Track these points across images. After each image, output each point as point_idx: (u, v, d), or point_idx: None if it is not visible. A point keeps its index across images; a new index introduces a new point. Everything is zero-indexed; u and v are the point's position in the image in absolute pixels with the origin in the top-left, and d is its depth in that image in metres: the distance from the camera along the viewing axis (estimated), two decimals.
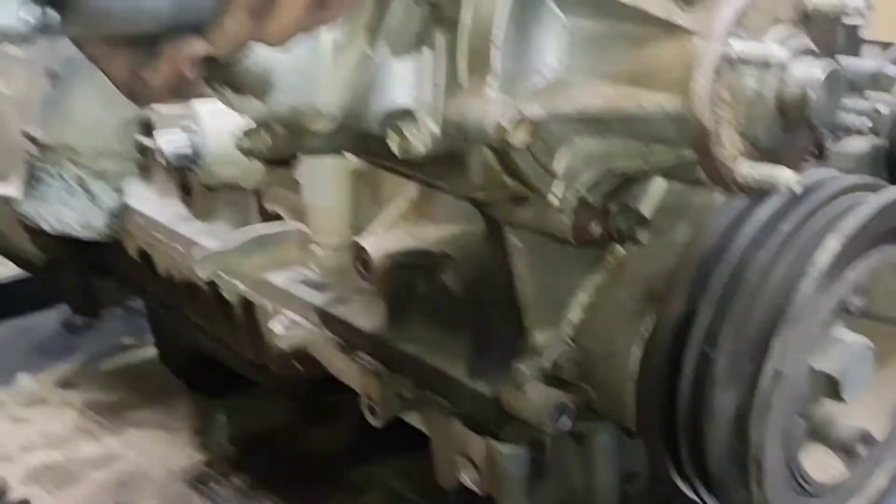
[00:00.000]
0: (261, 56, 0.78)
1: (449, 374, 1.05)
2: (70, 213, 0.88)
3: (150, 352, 2.29)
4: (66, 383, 2.20)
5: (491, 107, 0.76)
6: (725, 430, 0.91)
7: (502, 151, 0.80)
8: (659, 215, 0.99)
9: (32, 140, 0.85)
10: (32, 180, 0.94)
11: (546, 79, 0.80)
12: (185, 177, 1.48)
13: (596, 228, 0.84)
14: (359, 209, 1.17)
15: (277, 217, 1.38)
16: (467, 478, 1.07)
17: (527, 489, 1.04)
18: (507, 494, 1.04)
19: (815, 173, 0.95)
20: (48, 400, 2.13)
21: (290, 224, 1.29)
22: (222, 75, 0.80)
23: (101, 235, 0.94)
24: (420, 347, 1.10)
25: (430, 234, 1.09)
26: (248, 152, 0.89)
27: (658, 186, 1.00)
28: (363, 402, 1.19)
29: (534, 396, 0.97)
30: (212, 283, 1.56)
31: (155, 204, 1.53)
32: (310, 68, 0.79)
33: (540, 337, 0.99)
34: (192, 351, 1.96)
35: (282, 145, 0.88)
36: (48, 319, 2.44)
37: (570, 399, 0.97)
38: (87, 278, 2.08)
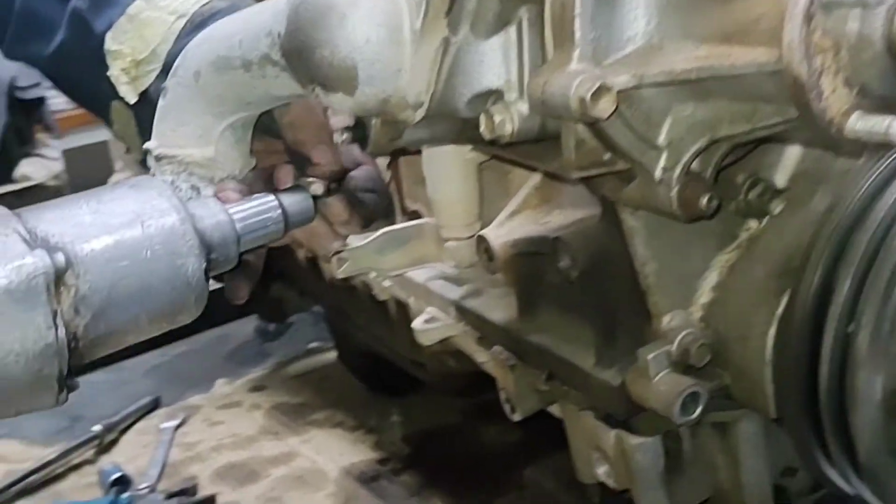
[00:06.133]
0: (343, 51, 0.78)
1: (576, 365, 1.01)
2: None
3: (333, 355, 2.38)
4: (256, 387, 2.31)
5: (572, 79, 0.72)
6: (875, 417, 0.82)
7: (595, 126, 0.76)
8: (796, 184, 0.92)
9: (148, 152, 0.89)
10: None
11: (637, 46, 0.75)
12: None
13: (707, 202, 0.78)
14: (487, 202, 1.15)
15: (418, 215, 1.38)
16: (603, 473, 1.02)
17: (663, 483, 0.98)
18: (642, 489, 0.98)
19: None
20: (240, 403, 2.25)
21: (423, 220, 1.28)
22: (307, 72, 0.81)
23: None
24: (549, 338, 1.07)
25: (553, 221, 1.06)
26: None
27: (793, 153, 0.92)
28: (501, 395, 1.17)
29: (661, 384, 0.91)
30: (366, 285, 1.59)
31: None
32: (392, 58, 0.78)
33: (668, 321, 0.93)
34: (366, 352, 2.01)
35: (381, 139, 0.88)
36: (244, 327, 2.59)
37: (703, 386, 0.91)
38: (267, 287, 2.19)
